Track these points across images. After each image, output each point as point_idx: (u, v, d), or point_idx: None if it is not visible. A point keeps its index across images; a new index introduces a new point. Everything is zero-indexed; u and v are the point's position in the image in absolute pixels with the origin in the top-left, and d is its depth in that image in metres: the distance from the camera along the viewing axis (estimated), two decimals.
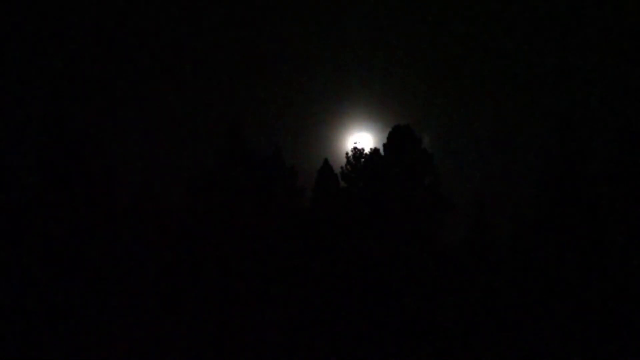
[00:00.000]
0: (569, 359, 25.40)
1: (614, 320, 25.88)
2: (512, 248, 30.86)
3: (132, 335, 25.96)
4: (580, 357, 25.22)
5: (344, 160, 32.82)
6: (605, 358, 24.98)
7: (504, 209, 32.43)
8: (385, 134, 32.50)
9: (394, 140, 31.99)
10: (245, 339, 26.69)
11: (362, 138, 36.84)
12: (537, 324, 26.88)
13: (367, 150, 32.62)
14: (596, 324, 26.02)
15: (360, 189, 32.17)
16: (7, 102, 30.65)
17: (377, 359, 26.51)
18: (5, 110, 30.61)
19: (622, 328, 25.59)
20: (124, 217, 30.33)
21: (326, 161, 33.06)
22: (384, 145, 32.29)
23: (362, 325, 27.52)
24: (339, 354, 26.60)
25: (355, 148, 32.67)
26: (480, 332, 27.23)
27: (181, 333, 26.50)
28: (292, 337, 26.95)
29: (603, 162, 30.04)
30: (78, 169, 29.52)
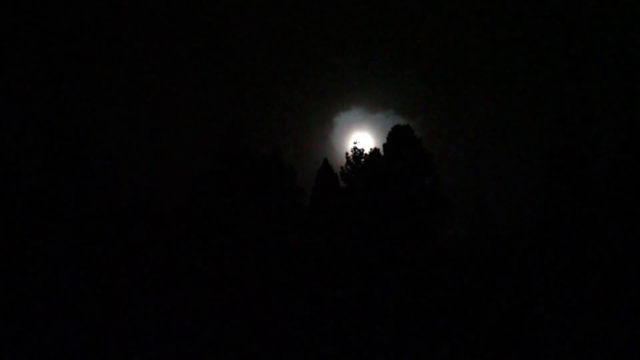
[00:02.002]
0: (570, 358, 25.39)
1: (615, 320, 25.87)
2: (512, 248, 30.85)
3: (131, 334, 25.99)
4: (582, 356, 25.21)
5: (344, 160, 32.86)
6: (606, 357, 24.97)
7: (504, 209, 32.45)
8: (385, 134, 32.59)
9: (394, 140, 32.02)
10: (245, 338, 26.71)
11: (362, 138, 36.91)
12: (538, 323, 26.88)
13: (367, 150, 32.65)
14: (597, 323, 26.01)
15: (360, 189, 32.17)
16: (8, 102, 30.70)
17: (377, 358, 26.52)
18: (7, 111, 30.66)
19: (622, 327, 25.58)
20: (124, 217, 30.40)
21: (326, 161, 33.11)
22: (384, 145, 32.32)
23: (362, 325, 27.54)
24: (338, 354, 26.61)
25: (355, 148, 32.68)
26: (480, 331, 27.23)
27: (180, 332, 26.53)
28: (291, 336, 26.98)
29: (605, 161, 30.03)
30: (79, 169, 29.60)
